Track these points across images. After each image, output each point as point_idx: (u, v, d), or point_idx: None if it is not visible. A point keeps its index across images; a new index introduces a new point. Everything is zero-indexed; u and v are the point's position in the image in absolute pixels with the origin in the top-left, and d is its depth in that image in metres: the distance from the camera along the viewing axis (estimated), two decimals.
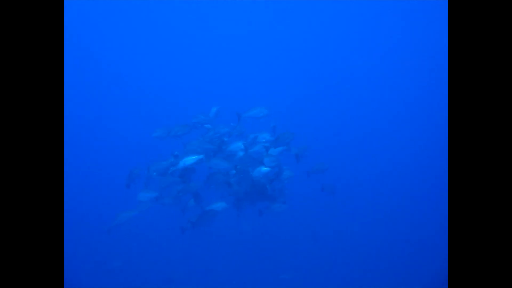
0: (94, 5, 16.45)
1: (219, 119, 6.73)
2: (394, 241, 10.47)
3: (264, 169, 5.71)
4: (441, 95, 13.52)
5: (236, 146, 5.90)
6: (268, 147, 5.98)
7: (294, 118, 13.54)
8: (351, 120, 15.15)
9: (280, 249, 9.98)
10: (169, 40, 17.59)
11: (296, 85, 16.32)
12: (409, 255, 9.92)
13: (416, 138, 14.36)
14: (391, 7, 16.49)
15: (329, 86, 16.12)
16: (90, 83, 15.64)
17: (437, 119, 13.64)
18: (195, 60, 17.15)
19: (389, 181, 12.64)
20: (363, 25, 17.18)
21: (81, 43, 15.92)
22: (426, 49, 16.00)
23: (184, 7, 17.37)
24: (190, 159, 5.69)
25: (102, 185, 10.28)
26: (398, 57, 16.58)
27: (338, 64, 16.68)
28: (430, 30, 15.81)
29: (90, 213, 10.10)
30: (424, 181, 12.52)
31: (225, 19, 17.71)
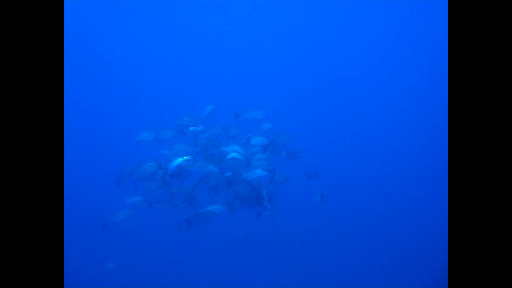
0: (93, 5, 16.46)
1: (214, 119, 6.66)
2: (394, 241, 10.47)
3: (261, 172, 5.67)
4: (441, 95, 13.52)
5: (231, 149, 5.86)
6: (259, 150, 5.96)
7: (293, 118, 13.54)
8: (351, 120, 15.14)
9: (279, 249, 9.98)
10: (167, 40, 17.58)
11: (295, 86, 16.30)
12: (409, 255, 9.91)
13: (416, 138, 14.35)
14: (391, 8, 16.49)
15: (329, 87, 16.10)
16: (89, 82, 15.64)
17: (437, 119, 13.63)
18: (193, 59, 17.14)
19: (389, 181, 12.63)
20: (363, 25, 17.17)
21: (79, 43, 15.93)
22: (426, 50, 15.99)
23: (184, 7, 17.37)
24: (177, 161, 5.70)
25: (97, 186, 10.22)
26: (398, 58, 16.57)
27: (337, 65, 16.67)
28: (430, 31, 15.80)
29: (83, 213, 10.06)
30: (424, 181, 12.52)
31: (225, 19, 17.69)
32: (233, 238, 9.59)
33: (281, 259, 9.85)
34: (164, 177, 6.00)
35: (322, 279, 9.36)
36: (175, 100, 14.79)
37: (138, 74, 16.64)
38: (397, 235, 10.61)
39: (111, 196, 7.06)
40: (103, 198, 8.44)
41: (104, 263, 8.95)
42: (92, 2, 16.37)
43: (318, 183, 8.29)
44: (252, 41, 17.60)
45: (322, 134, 13.88)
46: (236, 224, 9.04)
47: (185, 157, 5.70)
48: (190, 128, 6.21)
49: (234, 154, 5.67)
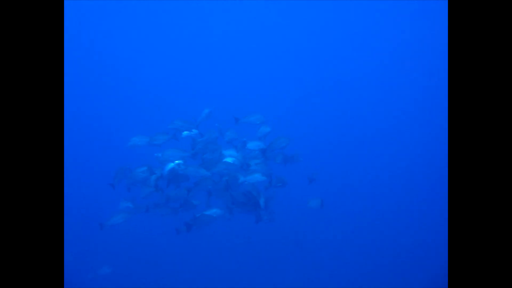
0: (93, 5, 16.44)
1: (211, 121, 6.60)
2: (394, 241, 10.47)
3: (259, 177, 5.66)
4: (441, 96, 13.52)
5: (228, 154, 5.83)
6: (257, 155, 5.94)
7: (290, 120, 13.51)
8: (350, 121, 15.13)
9: (279, 249, 9.98)
10: (166, 41, 17.56)
11: (293, 87, 16.27)
12: (409, 255, 9.91)
13: (416, 139, 14.34)
14: (391, 8, 16.49)
15: (328, 88, 16.08)
16: (88, 83, 15.63)
17: (437, 121, 13.64)
18: (191, 61, 17.12)
19: (389, 181, 12.63)
20: (364, 26, 17.16)
21: (80, 43, 15.91)
22: (427, 51, 15.98)
23: (183, 7, 17.35)
24: (169, 166, 5.72)
25: (93, 188, 10.17)
26: (398, 59, 16.56)
27: (337, 66, 16.65)
28: (430, 31, 15.80)
29: (78, 216, 10.01)
30: (424, 181, 12.52)
31: (224, 20, 17.66)
32: (233, 244, 9.52)
33: (281, 259, 9.86)
34: (156, 182, 6.01)
35: (322, 279, 9.36)
36: (173, 101, 14.77)
37: (137, 75, 16.61)
38: (397, 236, 10.61)
39: (107, 199, 7.03)
40: (99, 201, 8.38)
41: (100, 267, 8.83)
42: (92, 2, 16.35)
43: (317, 185, 8.29)
44: (252, 42, 17.58)
45: (320, 134, 13.87)
46: (235, 231, 8.97)
47: (176, 162, 5.72)
48: (184, 133, 6.16)
49: (228, 159, 5.67)
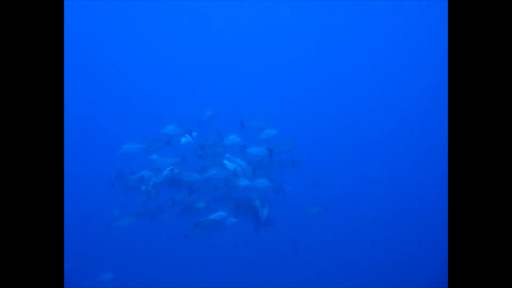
0: (93, 5, 16.42)
1: (214, 123, 6.55)
2: (394, 241, 10.47)
3: (265, 182, 5.64)
4: (442, 96, 13.51)
5: (233, 160, 5.81)
6: (263, 158, 5.91)
7: (292, 121, 13.49)
8: (351, 121, 15.12)
9: (279, 249, 9.98)
10: (168, 42, 17.52)
11: (293, 88, 16.24)
12: (409, 255, 9.92)
13: (416, 139, 14.34)
14: (391, 8, 16.48)
15: (327, 89, 16.07)
16: (89, 82, 15.61)
17: (437, 121, 13.64)
18: (193, 61, 17.08)
19: (389, 181, 12.63)
20: (363, 26, 17.15)
21: (78, 43, 15.88)
22: (427, 51, 15.97)
23: (184, 8, 17.32)
24: (164, 173, 5.74)
25: (98, 192, 10.14)
26: (398, 59, 16.55)
27: (336, 66, 16.64)
28: (430, 32, 15.79)
29: (80, 220, 9.98)
30: (425, 181, 12.52)
31: (226, 21, 17.63)
32: (237, 252, 9.47)
33: (280, 259, 9.86)
34: (148, 191, 6.02)
35: (322, 280, 9.36)
36: (175, 102, 14.75)
37: (138, 75, 16.58)
38: (397, 236, 10.61)
39: (110, 203, 7.01)
40: (102, 206, 8.30)
41: (102, 273, 8.72)
42: (93, 2, 16.31)
43: (316, 187, 8.29)
44: (251, 43, 17.54)
45: (320, 135, 13.86)
46: (239, 238, 8.91)
47: (169, 168, 5.72)
48: (182, 139, 6.11)
49: (225, 163, 5.66)
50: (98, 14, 16.87)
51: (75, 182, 11.03)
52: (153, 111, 14.17)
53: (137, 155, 6.27)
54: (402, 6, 16.40)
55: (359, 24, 17.20)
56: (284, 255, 9.92)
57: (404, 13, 16.54)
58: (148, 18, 17.48)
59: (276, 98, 15.44)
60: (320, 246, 10.27)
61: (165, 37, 17.58)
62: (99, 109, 14.90)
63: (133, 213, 6.47)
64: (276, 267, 9.67)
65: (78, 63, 15.35)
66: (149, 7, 17.22)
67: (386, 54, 16.80)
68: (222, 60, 17.05)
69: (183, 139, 6.15)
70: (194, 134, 6.17)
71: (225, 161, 5.76)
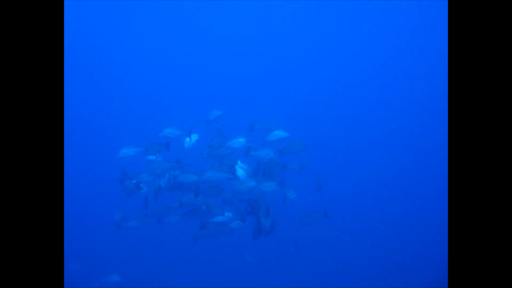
0: (93, 5, 16.39)
1: (217, 124, 6.50)
2: (395, 241, 10.47)
3: (273, 185, 5.62)
4: (442, 97, 13.50)
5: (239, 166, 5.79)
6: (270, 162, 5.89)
7: (294, 121, 13.47)
8: (350, 122, 15.11)
9: (279, 249, 9.98)
10: (172, 42, 17.47)
11: (292, 89, 16.22)
12: (410, 256, 9.92)
13: (415, 140, 14.34)
14: (391, 9, 16.47)
15: (327, 90, 16.06)
16: (90, 83, 15.59)
17: (437, 122, 13.63)
18: (198, 61, 17.03)
19: (389, 182, 12.63)
20: (364, 26, 17.14)
21: (79, 43, 15.86)
22: (427, 52, 15.96)
23: (187, 7, 17.26)
24: (165, 179, 5.75)
25: (102, 194, 10.10)
26: (398, 60, 16.54)
27: (337, 68, 16.63)
28: (430, 32, 15.78)
29: (87, 220, 9.96)
30: (425, 182, 12.52)
31: (229, 21, 17.58)
32: (244, 261, 9.44)
33: (281, 258, 9.85)
34: (147, 194, 6.08)
35: (322, 280, 9.36)
36: (179, 103, 14.71)
37: (142, 75, 16.53)
38: (397, 236, 10.61)
39: (114, 204, 6.99)
40: (106, 206, 8.24)
41: (107, 275, 8.63)
42: (93, 2, 16.28)
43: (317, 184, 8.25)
44: (254, 44, 17.49)
45: (319, 135, 13.85)
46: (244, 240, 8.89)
47: (171, 171, 5.71)
48: (186, 143, 6.06)
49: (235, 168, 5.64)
50: (99, 15, 16.83)
51: (80, 183, 11.02)
52: (157, 112, 14.15)
53: (138, 157, 6.26)
54: (403, 6, 16.39)
55: (362, 25, 17.18)
56: (285, 255, 9.91)
57: (405, 13, 16.53)
58: (152, 18, 17.42)
59: (275, 99, 15.41)
60: (321, 246, 10.27)
61: (170, 37, 17.52)
62: (102, 110, 14.88)
63: (137, 215, 6.47)
64: (276, 267, 9.67)
65: (80, 64, 15.33)
66: (152, 7, 17.17)
67: (386, 55, 16.79)
68: (226, 61, 17.00)
69: (186, 142, 6.07)
70: (195, 136, 6.12)
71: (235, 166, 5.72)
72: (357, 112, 15.47)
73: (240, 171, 5.69)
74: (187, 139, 6.11)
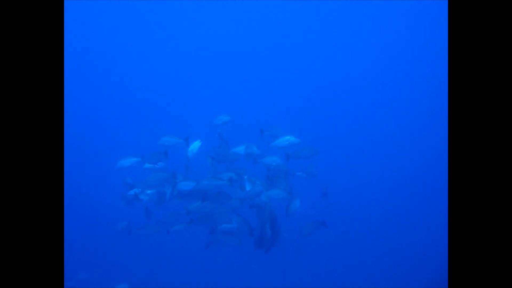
0: (93, 5, 16.36)
1: (219, 128, 6.46)
2: (395, 241, 10.47)
3: (281, 193, 5.60)
4: (442, 97, 13.50)
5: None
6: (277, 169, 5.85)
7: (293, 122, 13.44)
8: (350, 122, 15.11)
9: (279, 249, 9.95)
10: (174, 44, 17.42)
11: (292, 89, 16.20)
12: (410, 256, 9.91)
13: (415, 141, 14.34)
14: (391, 9, 16.47)
15: (327, 89, 16.04)
16: (90, 83, 15.57)
17: (437, 122, 13.63)
18: (198, 63, 16.99)
19: (390, 182, 12.63)
20: (364, 26, 17.13)
21: (79, 43, 15.83)
22: (427, 52, 15.96)
23: (188, 8, 17.22)
24: (168, 192, 5.76)
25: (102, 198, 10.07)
26: (398, 60, 16.53)
27: (337, 70, 16.61)
28: (430, 32, 15.78)
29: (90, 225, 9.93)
30: (424, 182, 12.52)
31: (235, 22, 17.53)
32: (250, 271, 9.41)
33: (280, 258, 9.84)
34: (147, 205, 6.13)
35: (322, 279, 9.36)
36: (183, 106, 14.68)
37: (145, 79, 16.49)
38: (397, 237, 10.61)
39: (123, 211, 6.97)
40: (115, 214, 8.20)
41: (117, 284, 8.52)
42: (94, 2, 16.25)
43: (317, 184, 8.22)
44: (260, 45, 17.44)
45: (320, 138, 13.83)
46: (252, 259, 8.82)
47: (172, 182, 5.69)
48: (189, 151, 6.01)
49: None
50: (97, 18, 16.79)
51: (90, 192, 10.98)
52: (160, 116, 14.11)
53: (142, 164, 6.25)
54: (403, 6, 16.39)
55: (361, 22, 17.16)
56: (285, 255, 9.90)
57: (405, 13, 16.53)
58: (156, 20, 17.37)
59: (273, 102, 15.37)
60: (321, 246, 10.27)
61: (172, 40, 17.47)
62: (105, 116, 14.85)
63: (142, 224, 6.47)
64: (276, 267, 9.67)
65: (80, 65, 15.31)
66: (155, 7, 17.11)
67: (385, 56, 16.78)
68: (230, 63, 16.95)
69: (189, 152, 6.02)
70: (197, 143, 6.06)
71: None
72: (356, 113, 15.46)
73: (248, 184, 5.66)
74: (190, 147, 6.04)
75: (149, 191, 5.87)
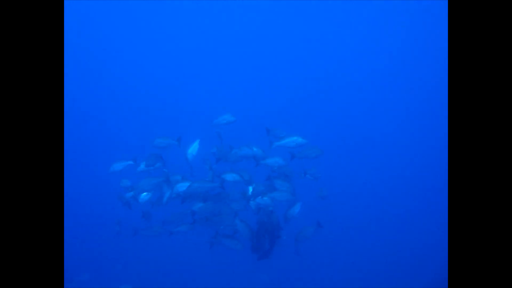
0: (94, 5, 16.34)
1: (217, 128, 6.41)
2: (395, 241, 10.47)
3: (286, 195, 5.57)
4: (442, 97, 13.50)
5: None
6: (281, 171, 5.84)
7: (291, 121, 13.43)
8: (350, 122, 15.10)
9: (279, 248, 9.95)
10: (173, 43, 17.39)
11: (291, 87, 16.18)
12: (409, 256, 9.92)
13: (415, 141, 14.34)
14: (391, 8, 16.46)
15: (327, 88, 16.03)
16: (90, 83, 15.56)
17: (437, 121, 13.63)
18: (197, 62, 16.97)
19: (390, 182, 12.63)
20: (364, 25, 17.12)
21: (81, 43, 15.82)
22: (427, 51, 15.95)
23: (191, 7, 17.18)
24: (165, 196, 5.73)
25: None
26: (398, 60, 16.53)
27: (336, 67, 16.61)
28: (430, 31, 15.78)
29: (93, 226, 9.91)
30: (425, 182, 12.52)
31: (234, 21, 17.50)
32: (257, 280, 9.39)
33: (281, 258, 9.83)
34: (143, 210, 6.12)
35: (322, 279, 9.36)
36: (181, 105, 14.66)
37: (144, 76, 16.47)
38: (397, 237, 10.61)
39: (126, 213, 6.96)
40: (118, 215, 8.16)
41: (118, 285, 8.51)
42: (94, 2, 16.23)
43: (318, 184, 8.17)
44: (258, 45, 17.41)
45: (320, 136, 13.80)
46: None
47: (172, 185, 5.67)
48: (189, 154, 5.96)
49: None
50: (94, 21, 16.74)
51: (91, 194, 10.95)
52: (161, 118, 14.10)
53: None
54: (403, 6, 16.39)
55: (360, 22, 17.15)
56: (285, 255, 9.89)
57: (405, 13, 16.53)
58: (156, 20, 17.34)
59: (272, 99, 15.37)
60: (321, 246, 10.27)
61: (171, 39, 17.43)
62: (106, 116, 14.83)
63: (142, 227, 6.47)
64: (276, 267, 9.67)
65: (81, 64, 15.30)
66: (158, 7, 17.06)
67: (385, 56, 16.78)
68: (229, 63, 16.92)
69: (189, 154, 5.95)
70: (196, 145, 6.01)
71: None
72: (356, 113, 15.46)
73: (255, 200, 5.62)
74: (189, 150, 5.97)
75: (146, 194, 5.83)
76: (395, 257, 9.89)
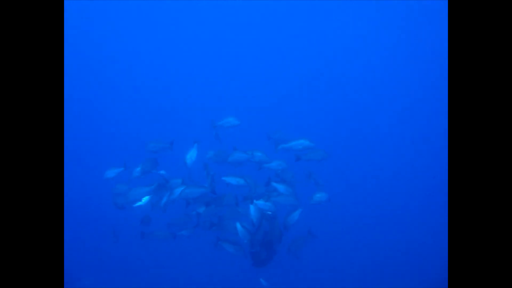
0: (94, 5, 16.32)
1: (216, 129, 6.36)
2: (395, 241, 10.47)
3: (290, 199, 5.56)
4: (441, 97, 13.50)
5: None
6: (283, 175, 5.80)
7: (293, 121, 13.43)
8: (349, 122, 15.10)
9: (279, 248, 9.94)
10: (176, 43, 17.37)
11: (290, 87, 16.15)
12: (409, 256, 9.91)
13: (415, 141, 14.33)
14: (390, 8, 16.46)
15: (326, 88, 16.02)
16: (90, 83, 15.55)
17: (437, 121, 13.62)
18: (198, 62, 16.94)
19: (389, 181, 12.62)
20: (363, 25, 17.12)
21: (81, 42, 15.80)
22: (426, 51, 15.95)
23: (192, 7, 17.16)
24: (164, 200, 5.70)
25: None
26: (398, 60, 16.52)
27: (336, 67, 16.60)
28: (430, 31, 15.77)
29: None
30: (424, 182, 12.51)
31: (234, 22, 17.48)
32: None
33: (281, 258, 9.82)
34: (141, 216, 6.11)
35: (322, 279, 9.36)
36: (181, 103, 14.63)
37: (145, 77, 16.45)
38: (397, 236, 10.61)
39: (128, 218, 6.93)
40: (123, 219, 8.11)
41: None
42: (95, 2, 16.21)
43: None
44: (253, 45, 17.41)
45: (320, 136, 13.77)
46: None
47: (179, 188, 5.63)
48: (188, 159, 5.92)
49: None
50: (99, 17, 16.73)
51: (94, 198, 10.91)
52: (162, 119, 14.08)
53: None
54: (402, 6, 16.38)
55: (360, 22, 17.16)
56: (284, 255, 9.89)
57: (404, 12, 16.53)
58: (157, 20, 17.32)
59: (272, 100, 15.35)
60: (320, 246, 10.26)
61: (174, 41, 17.41)
62: (107, 117, 14.81)
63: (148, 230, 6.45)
64: (276, 267, 9.66)
65: (81, 64, 15.28)
66: (161, 7, 17.04)
67: (385, 56, 16.77)
68: (229, 64, 16.90)
69: (188, 159, 5.85)
70: (194, 150, 5.98)
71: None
72: (356, 113, 15.46)
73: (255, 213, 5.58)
74: (188, 155, 5.88)
75: (144, 199, 5.79)
76: (395, 257, 9.89)
